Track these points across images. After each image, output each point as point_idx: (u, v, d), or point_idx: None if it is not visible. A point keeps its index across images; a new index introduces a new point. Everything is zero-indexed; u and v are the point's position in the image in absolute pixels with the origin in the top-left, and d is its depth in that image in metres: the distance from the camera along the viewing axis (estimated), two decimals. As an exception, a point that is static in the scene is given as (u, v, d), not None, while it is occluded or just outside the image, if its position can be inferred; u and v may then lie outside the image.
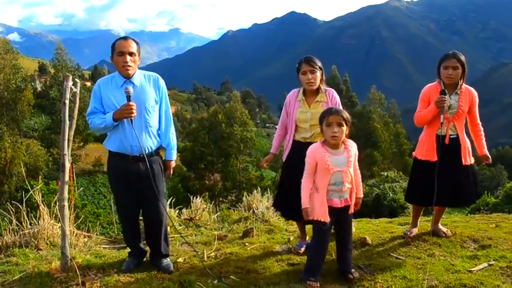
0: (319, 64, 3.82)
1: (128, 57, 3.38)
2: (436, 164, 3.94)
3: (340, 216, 3.34)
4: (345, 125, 3.24)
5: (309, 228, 4.60)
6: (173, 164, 3.73)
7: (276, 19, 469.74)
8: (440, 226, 4.35)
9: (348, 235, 3.46)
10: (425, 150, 4.10)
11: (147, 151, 3.47)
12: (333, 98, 3.89)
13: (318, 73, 3.80)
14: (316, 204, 3.28)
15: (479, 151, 4.18)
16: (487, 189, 16.18)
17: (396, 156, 48.47)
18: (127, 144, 3.44)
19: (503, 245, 4.02)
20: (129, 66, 3.39)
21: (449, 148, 3.98)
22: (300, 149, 3.85)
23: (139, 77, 3.52)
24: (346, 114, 3.26)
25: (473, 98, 4.06)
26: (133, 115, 3.35)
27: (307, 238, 4.18)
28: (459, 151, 4.03)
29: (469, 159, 4.09)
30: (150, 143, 3.52)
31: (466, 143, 4.07)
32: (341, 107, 3.85)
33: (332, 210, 3.28)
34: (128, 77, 3.45)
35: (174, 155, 3.69)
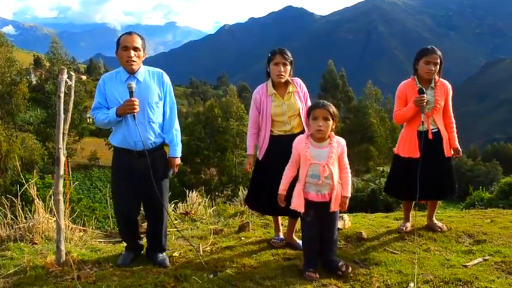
0: (291, 58, 3.83)
1: (132, 52, 3.36)
2: (419, 161, 3.96)
3: (321, 213, 3.33)
4: (331, 120, 3.25)
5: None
6: (178, 161, 3.68)
7: (272, 13, 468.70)
8: (435, 221, 4.37)
9: (330, 235, 3.39)
10: (407, 147, 4.12)
11: (150, 147, 3.46)
12: (301, 86, 3.93)
13: (289, 67, 3.80)
14: (294, 194, 3.34)
15: (451, 143, 4.18)
16: (482, 185, 16.23)
17: (392, 151, 48.58)
18: (130, 140, 3.44)
19: (498, 240, 4.04)
20: (133, 61, 3.38)
21: (432, 142, 4.02)
22: (281, 142, 3.80)
23: (143, 72, 3.50)
24: (333, 109, 3.28)
25: (448, 91, 4.10)
26: (135, 111, 3.34)
27: (282, 231, 4.23)
28: (441, 144, 4.07)
29: (449, 152, 4.15)
30: (153, 139, 3.50)
31: (446, 135, 4.11)
32: (307, 95, 3.91)
33: (310, 204, 3.30)
34: (132, 72, 3.43)
35: (178, 152, 3.65)
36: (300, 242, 3.87)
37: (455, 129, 4.18)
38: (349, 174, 3.39)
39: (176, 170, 3.70)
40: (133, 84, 3.35)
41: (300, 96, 3.88)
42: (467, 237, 4.16)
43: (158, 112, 3.54)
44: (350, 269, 3.35)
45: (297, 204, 3.32)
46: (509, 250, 3.76)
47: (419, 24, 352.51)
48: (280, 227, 4.23)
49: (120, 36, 3.47)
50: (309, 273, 3.29)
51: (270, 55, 3.84)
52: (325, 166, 3.24)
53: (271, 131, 3.88)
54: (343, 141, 3.37)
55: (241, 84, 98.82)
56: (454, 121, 4.18)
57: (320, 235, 3.42)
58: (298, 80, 3.95)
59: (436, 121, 4.06)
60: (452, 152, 4.17)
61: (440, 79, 4.09)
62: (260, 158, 3.95)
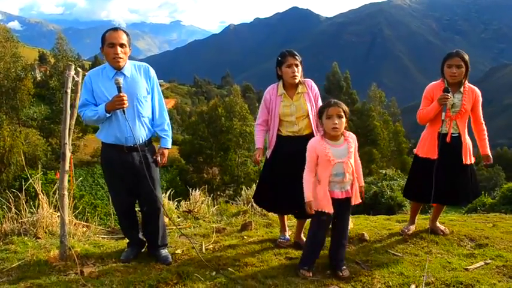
0: (301, 58, 3.85)
1: (119, 49, 3.37)
2: (435, 162, 3.95)
3: (340, 208, 3.36)
4: (344, 117, 3.31)
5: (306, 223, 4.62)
6: (166, 152, 3.69)
7: (278, 14, 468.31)
8: (438, 224, 4.37)
9: (344, 229, 3.48)
10: (426, 147, 4.11)
11: (140, 141, 3.48)
12: (312, 87, 3.93)
13: (300, 67, 3.82)
14: (319, 195, 3.33)
15: (481, 150, 4.17)
16: (484, 190, 16.16)
17: (395, 154, 48.52)
18: (121, 135, 3.45)
19: (500, 244, 4.05)
20: (120, 58, 3.38)
21: (450, 146, 3.98)
22: (289, 143, 3.85)
23: (130, 67, 3.51)
24: (344, 106, 3.36)
25: (477, 97, 4.05)
26: (125, 106, 3.35)
27: (288, 231, 4.26)
28: (460, 150, 4.03)
29: (469, 159, 4.09)
30: (143, 133, 3.53)
31: (467, 142, 4.07)
32: (318, 96, 3.93)
33: (333, 202, 3.32)
34: (118, 69, 3.44)
35: (169, 143, 3.67)
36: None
37: (486, 137, 4.14)
38: (360, 165, 3.49)
39: (165, 161, 3.68)
40: (121, 80, 3.36)
41: (310, 97, 3.88)
42: (469, 241, 4.17)
43: (147, 106, 3.56)
44: (347, 273, 3.36)
45: (325, 205, 3.31)
46: (510, 254, 3.77)
47: (425, 28, 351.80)
48: (287, 227, 4.25)
49: (105, 32, 3.45)
50: (303, 271, 3.35)
51: (280, 58, 3.85)
52: (347, 163, 3.30)
53: (279, 130, 3.92)
54: (354, 136, 3.44)
55: (245, 84, 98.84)
56: (485, 128, 4.14)
57: (333, 231, 3.49)
58: (310, 82, 3.95)
59: (458, 126, 4.02)
60: (482, 159, 4.16)
61: (470, 84, 4.05)
62: (268, 157, 3.99)
